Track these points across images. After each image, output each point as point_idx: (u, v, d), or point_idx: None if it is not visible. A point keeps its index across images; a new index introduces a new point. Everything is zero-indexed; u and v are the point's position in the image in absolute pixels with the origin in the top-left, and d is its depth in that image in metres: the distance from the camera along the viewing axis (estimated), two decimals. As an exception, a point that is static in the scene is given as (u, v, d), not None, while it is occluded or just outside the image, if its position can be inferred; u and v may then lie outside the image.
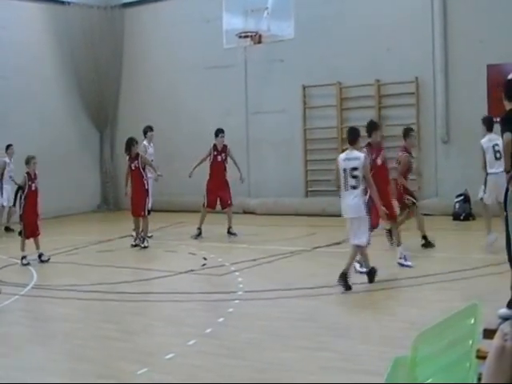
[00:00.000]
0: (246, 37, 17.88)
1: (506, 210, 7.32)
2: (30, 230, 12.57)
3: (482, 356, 3.16)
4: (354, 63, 17.63)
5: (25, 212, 12.54)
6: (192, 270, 11.29)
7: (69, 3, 20.91)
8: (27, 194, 12.52)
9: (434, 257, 11.64)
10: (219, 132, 15.04)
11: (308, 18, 18.06)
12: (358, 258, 10.38)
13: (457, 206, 16.03)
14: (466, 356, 3.20)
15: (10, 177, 16.72)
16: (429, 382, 3.07)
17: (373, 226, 10.29)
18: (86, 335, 7.91)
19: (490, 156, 11.68)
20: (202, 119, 19.96)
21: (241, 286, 9.91)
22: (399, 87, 17.41)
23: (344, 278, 9.25)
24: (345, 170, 9.41)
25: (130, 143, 14.22)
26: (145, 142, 15.44)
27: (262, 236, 14.67)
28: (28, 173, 12.57)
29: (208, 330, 7.68)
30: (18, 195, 12.68)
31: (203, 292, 9.77)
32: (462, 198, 15.96)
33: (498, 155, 11.40)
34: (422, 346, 2.96)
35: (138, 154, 14.20)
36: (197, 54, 20.16)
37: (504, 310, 6.62)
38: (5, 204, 16.91)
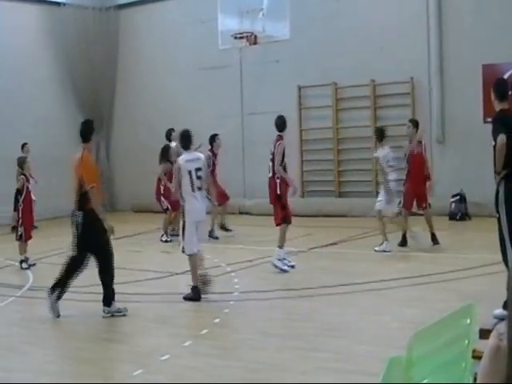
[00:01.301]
0: (242, 38, 17.91)
1: (497, 212, 7.36)
2: (29, 232, 12.33)
3: (477, 356, 3.16)
4: (349, 64, 17.61)
5: (24, 214, 12.23)
6: (188, 271, 11.25)
7: (64, 4, 20.91)
8: (25, 197, 12.22)
9: (429, 257, 11.65)
10: (215, 135, 14.81)
11: (303, 18, 18.06)
12: (278, 255, 10.64)
13: (453, 205, 16.04)
14: (462, 356, 3.20)
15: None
16: (425, 382, 3.07)
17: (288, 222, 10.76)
18: (82, 336, 7.90)
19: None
20: (198, 120, 19.89)
21: (237, 286, 9.90)
22: (394, 87, 17.42)
23: (196, 291, 9.18)
24: (190, 172, 9.20)
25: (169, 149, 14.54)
26: (173, 144, 14.89)
27: (257, 237, 14.64)
28: (24, 174, 12.29)
29: (204, 331, 7.68)
30: (17, 199, 12.27)
31: (199, 293, 9.73)
32: (457, 197, 15.98)
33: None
34: (417, 346, 2.95)
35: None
36: (192, 54, 20.14)
37: (500, 311, 6.62)
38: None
